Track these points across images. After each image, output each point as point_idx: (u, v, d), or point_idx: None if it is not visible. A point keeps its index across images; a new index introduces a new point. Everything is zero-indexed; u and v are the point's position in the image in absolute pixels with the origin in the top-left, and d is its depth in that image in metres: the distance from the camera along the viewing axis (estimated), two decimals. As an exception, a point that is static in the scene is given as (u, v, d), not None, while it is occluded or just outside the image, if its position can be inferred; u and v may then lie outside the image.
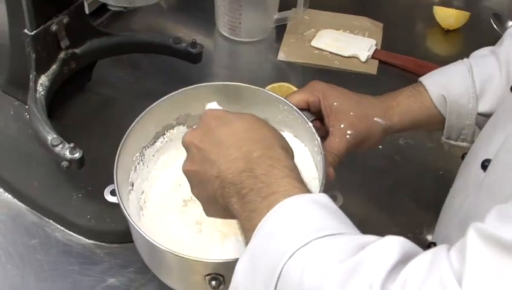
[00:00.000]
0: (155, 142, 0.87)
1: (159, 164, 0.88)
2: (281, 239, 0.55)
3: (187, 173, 0.69)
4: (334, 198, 0.76)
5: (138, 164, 0.85)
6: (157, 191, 0.86)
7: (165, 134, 0.88)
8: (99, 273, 0.86)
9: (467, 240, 0.46)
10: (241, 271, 0.58)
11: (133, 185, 0.83)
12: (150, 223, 0.82)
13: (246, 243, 0.60)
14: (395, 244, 0.50)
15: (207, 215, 0.70)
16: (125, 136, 0.80)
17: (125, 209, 0.74)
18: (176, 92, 0.85)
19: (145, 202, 0.84)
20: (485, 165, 0.67)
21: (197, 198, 0.70)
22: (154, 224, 0.82)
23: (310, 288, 0.51)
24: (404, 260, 0.49)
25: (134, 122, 0.81)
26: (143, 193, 0.85)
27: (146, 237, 0.71)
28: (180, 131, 0.88)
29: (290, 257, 0.53)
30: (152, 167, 0.87)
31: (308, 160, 0.85)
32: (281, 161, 0.62)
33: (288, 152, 0.65)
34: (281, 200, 0.57)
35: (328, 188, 0.74)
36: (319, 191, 0.73)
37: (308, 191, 0.60)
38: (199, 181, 0.67)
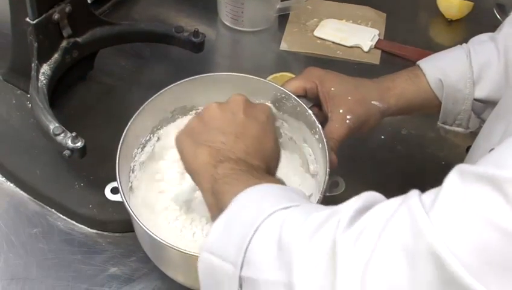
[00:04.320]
0: (153, 136, 0.86)
1: (160, 159, 0.88)
2: (263, 203, 0.57)
3: (190, 122, 0.72)
4: (336, 184, 0.77)
5: (137, 160, 0.84)
6: (156, 189, 0.86)
7: (160, 129, 0.87)
8: (101, 262, 0.86)
9: (446, 178, 0.46)
10: (215, 232, 0.58)
11: (132, 182, 0.83)
12: (149, 218, 0.81)
13: (215, 207, 0.63)
14: (364, 193, 0.53)
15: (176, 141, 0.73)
16: (124, 133, 0.79)
17: (131, 209, 0.73)
18: (172, 85, 0.84)
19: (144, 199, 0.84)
20: None
21: (178, 138, 0.72)
22: (154, 220, 0.82)
23: (286, 242, 0.52)
24: (373, 204, 0.51)
25: (131, 120, 0.80)
26: (143, 189, 0.85)
27: (154, 236, 0.71)
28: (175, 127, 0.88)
29: (270, 215, 0.55)
30: (152, 162, 0.87)
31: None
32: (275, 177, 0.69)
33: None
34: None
35: (331, 174, 0.75)
36: (325, 179, 0.74)
37: None
38: (195, 133, 0.70)
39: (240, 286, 0.55)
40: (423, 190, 1.00)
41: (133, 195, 0.82)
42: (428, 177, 0.99)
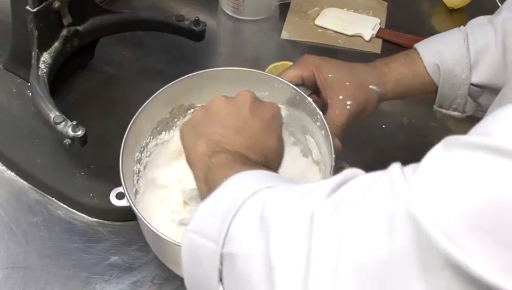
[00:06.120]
0: (153, 139, 0.86)
1: (160, 162, 0.87)
2: (248, 183, 0.57)
3: (195, 113, 0.71)
4: (341, 169, 0.77)
5: (140, 163, 0.84)
6: (158, 191, 0.86)
7: (160, 134, 0.87)
8: (102, 251, 0.86)
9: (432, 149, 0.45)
10: (200, 213, 0.57)
11: (136, 186, 0.83)
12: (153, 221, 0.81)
13: (207, 195, 0.60)
14: (346, 170, 0.52)
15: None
16: (125, 136, 0.78)
17: (139, 212, 0.73)
18: (168, 85, 0.83)
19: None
20: None
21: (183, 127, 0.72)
22: (157, 222, 0.82)
23: (267, 216, 0.51)
24: (353, 178, 0.50)
25: (130, 123, 0.79)
26: (146, 191, 0.84)
27: (162, 236, 0.71)
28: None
29: (253, 193, 0.54)
30: (153, 165, 0.87)
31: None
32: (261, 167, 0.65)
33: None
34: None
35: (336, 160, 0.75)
36: (331, 166, 0.74)
37: None
38: (198, 124, 0.69)
39: (221, 264, 0.54)
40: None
41: (137, 199, 0.82)
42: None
